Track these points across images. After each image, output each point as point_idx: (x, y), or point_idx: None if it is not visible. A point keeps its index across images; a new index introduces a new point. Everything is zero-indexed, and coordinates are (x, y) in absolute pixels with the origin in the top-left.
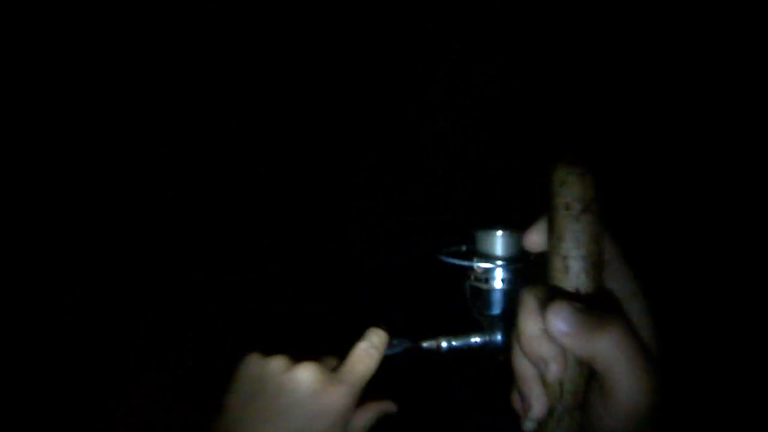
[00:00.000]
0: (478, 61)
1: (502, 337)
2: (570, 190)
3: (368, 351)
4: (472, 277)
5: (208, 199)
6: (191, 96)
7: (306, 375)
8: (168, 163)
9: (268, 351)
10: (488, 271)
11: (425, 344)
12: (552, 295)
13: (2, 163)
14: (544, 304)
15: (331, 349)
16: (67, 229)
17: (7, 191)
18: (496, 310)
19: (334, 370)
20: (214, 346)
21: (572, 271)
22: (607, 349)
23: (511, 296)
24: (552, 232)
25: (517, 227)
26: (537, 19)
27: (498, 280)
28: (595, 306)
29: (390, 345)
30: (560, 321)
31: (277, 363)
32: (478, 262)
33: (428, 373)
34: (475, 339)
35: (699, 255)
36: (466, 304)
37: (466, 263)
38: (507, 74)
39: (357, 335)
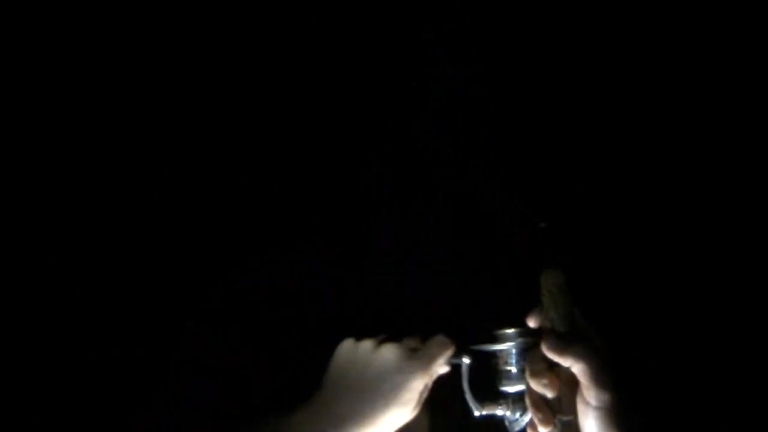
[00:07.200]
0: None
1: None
2: (547, 282)
3: (444, 340)
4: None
5: (208, 200)
6: (193, 97)
7: (390, 353)
8: (167, 163)
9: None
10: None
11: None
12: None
13: (2, 162)
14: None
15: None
16: (67, 228)
17: (7, 191)
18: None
19: (414, 350)
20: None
21: (555, 323)
22: (575, 357)
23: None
24: (543, 309)
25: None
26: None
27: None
28: (567, 338)
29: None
30: (547, 344)
31: (366, 343)
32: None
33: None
34: (501, 410)
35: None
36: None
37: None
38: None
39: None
